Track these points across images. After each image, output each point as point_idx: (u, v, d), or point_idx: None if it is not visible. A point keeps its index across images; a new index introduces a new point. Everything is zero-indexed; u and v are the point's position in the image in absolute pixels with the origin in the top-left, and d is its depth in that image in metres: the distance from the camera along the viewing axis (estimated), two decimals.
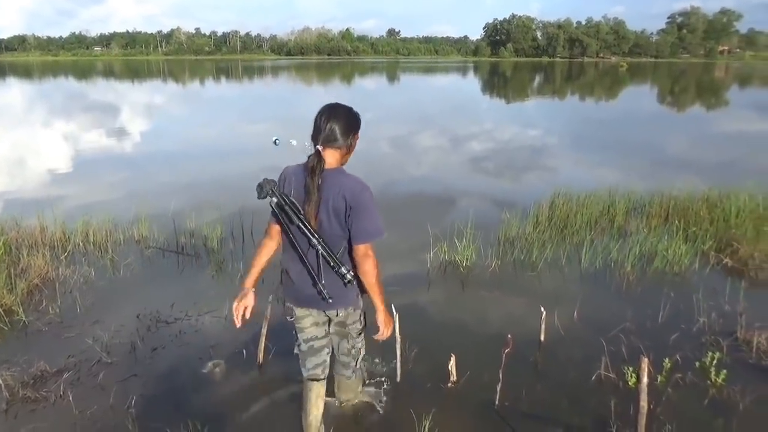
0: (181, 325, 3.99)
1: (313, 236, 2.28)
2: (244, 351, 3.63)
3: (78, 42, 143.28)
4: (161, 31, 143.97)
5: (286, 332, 3.87)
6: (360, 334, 2.70)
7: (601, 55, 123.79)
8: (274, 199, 2.30)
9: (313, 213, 2.29)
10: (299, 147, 11.68)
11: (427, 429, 2.86)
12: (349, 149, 2.43)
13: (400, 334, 3.29)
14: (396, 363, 3.34)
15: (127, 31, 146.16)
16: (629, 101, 28.55)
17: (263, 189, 2.30)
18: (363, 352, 2.81)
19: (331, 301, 2.37)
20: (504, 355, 3.05)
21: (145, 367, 3.45)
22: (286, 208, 2.28)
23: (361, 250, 2.33)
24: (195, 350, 3.67)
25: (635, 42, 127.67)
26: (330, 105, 2.43)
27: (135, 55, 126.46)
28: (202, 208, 6.61)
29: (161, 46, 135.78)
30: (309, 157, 2.34)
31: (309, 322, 2.63)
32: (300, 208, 2.28)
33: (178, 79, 47.00)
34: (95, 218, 5.87)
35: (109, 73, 57.58)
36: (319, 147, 2.33)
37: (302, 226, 2.27)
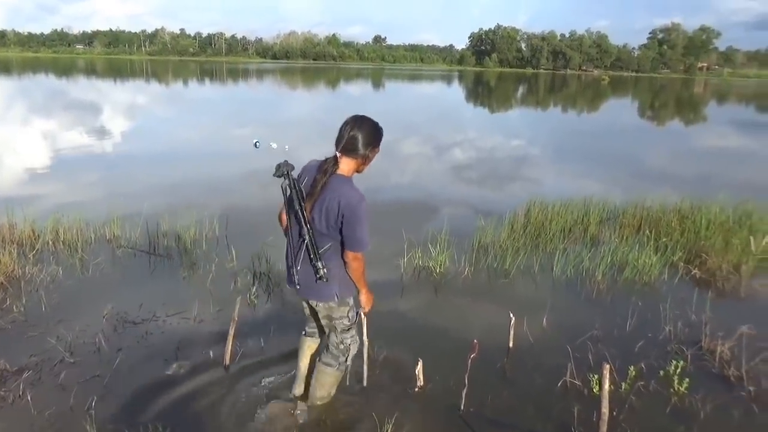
0: (147, 326, 3.93)
1: (305, 226, 2.47)
2: (211, 352, 3.59)
3: (59, 39, 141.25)
4: (145, 30, 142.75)
5: (253, 334, 3.87)
6: (348, 330, 2.84)
7: (584, 67, 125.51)
8: (286, 181, 2.50)
9: (309, 207, 2.49)
10: (280, 150, 11.65)
11: None
12: (365, 160, 2.58)
13: (368, 338, 3.27)
14: (363, 367, 3.32)
15: (111, 30, 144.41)
16: (610, 114, 28.97)
17: (279, 168, 2.48)
18: (353, 350, 2.93)
19: (298, 287, 2.63)
20: (469, 361, 3.06)
21: (109, 367, 3.39)
22: (292, 193, 2.48)
23: (350, 255, 2.57)
24: (160, 351, 3.62)
25: (617, 56, 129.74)
26: (357, 116, 2.60)
27: (118, 54, 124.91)
28: (177, 209, 6.54)
29: (145, 46, 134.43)
30: (327, 158, 2.54)
31: (303, 303, 2.96)
32: (303, 198, 2.48)
33: (161, 79, 46.59)
34: (67, 217, 5.77)
35: (90, 71, 56.86)
36: (338, 153, 2.52)
37: (299, 214, 2.47)
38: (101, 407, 3.03)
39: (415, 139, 15.22)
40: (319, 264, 2.50)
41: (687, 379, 3.33)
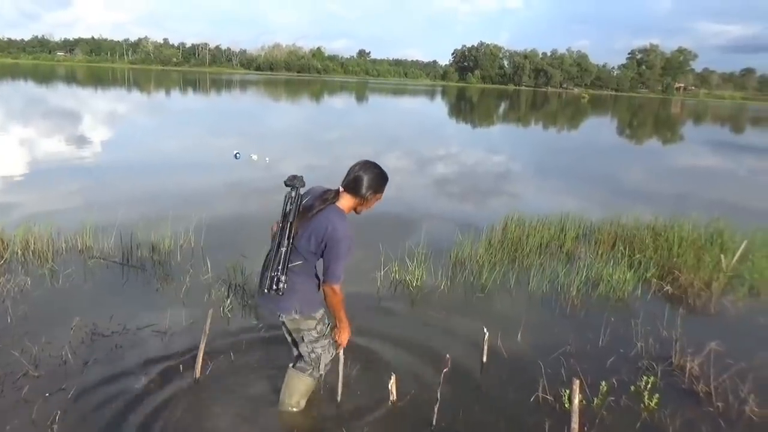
0: (117, 339, 3.86)
1: (288, 239, 2.61)
2: (181, 366, 3.53)
3: (40, 46, 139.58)
4: (128, 39, 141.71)
5: (225, 346, 3.82)
6: (317, 341, 2.91)
7: (565, 85, 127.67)
8: (292, 193, 2.66)
9: (297, 225, 2.64)
10: (260, 162, 11.61)
11: None
12: (365, 203, 2.75)
13: (342, 353, 3.25)
14: (337, 382, 3.29)
15: (93, 38, 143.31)
16: (590, 132, 29.45)
17: (292, 180, 2.66)
18: (325, 359, 3.00)
19: (263, 291, 2.68)
20: (442, 376, 3.05)
21: (74, 381, 3.30)
22: (290, 205, 2.64)
23: (326, 289, 2.72)
24: (130, 364, 3.55)
25: (597, 75, 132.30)
26: (367, 160, 2.78)
27: (99, 62, 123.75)
28: (153, 220, 6.44)
29: (127, 55, 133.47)
30: (330, 189, 2.76)
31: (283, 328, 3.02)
32: (297, 214, 2.64)
33: (143, 88, 46.22)
34: (38, 226, 5.65)
35: (71, 78, 56.25)
36: (341, 188, 2.72)
37: (288, 227, 2.61)
38: (65, 422, 2.95)
39: (397, 153, 15.28)
40: (283, 277, 2.59)
41: (657, 395, 3.37)
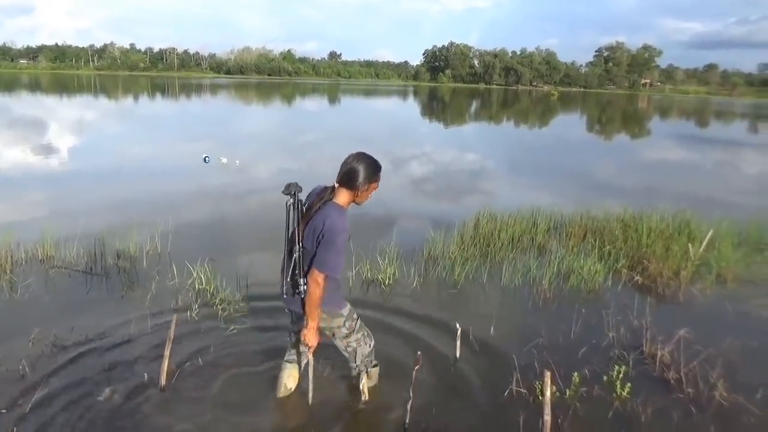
0: (79, 349, 3.71)
1: (297, 244, 2.72)
2: (146, 374, 3.42)
3: (2, 54, 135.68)
4: (93, 45, 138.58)
5: (191, 353, 3.72)
6: (348, 336, 3.00)
7: (534, 83, 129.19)
8: (291, 200, 2.73)
9: (302, 228, 2.74)
10: (230, 165, 11.43)
11: None
12: (361, 193, 2.80)
13: (312, 355, 3.17)
14: (308, 384, 3.21)
15: (57, 44, 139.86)
16: (560, 129, 29.81)
17: (289, 188, 2.72)
18: (362, 351, 3.09)
19: (285, 296, 2.84)
20: (414, 373, 3.01)
21: (32, 395, 3.15)
22: (293, 213, 2.74)
23: (314, 273, 2.69)
24: (92, 375, 3.42)
25: (566, 72, 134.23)
26: (358, 152, 2.85)
27: (64, 69, 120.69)
28: (117, 227, 6.25)
29: (93, 61, 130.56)
30: (327, 187, 2.83)
31: (292, 316, 3.08)
32: (301, 218, 2.75)
33: (110, 94, 45.25)
34: None
35: (34, 86, 54.78)
36: (335, 184, 2.78)
37: (295, 233, 2.73)
38: None
39: (370, 153, 15.21)
40: (301, 281, 2.73)
41: (629, 384, 3.38)
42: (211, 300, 4.56)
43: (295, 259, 2.73)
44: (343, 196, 2.78)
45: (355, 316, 3.04)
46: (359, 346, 3.06)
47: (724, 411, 3.30)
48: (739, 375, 3.64)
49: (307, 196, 2.88)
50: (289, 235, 2.77)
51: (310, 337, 2.86)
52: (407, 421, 3.05)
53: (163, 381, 3.30)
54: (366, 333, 3.10)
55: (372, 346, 3.15)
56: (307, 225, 2.75)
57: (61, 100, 35.76)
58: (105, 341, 3.84)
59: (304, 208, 2.79)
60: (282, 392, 3.22)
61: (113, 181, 9.80)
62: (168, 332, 3.34)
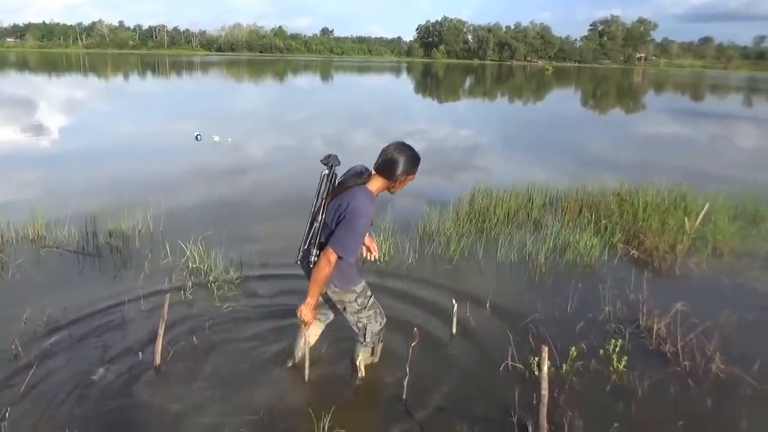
0: (72, 329, 3.67)
1: (320, 216, 2.72)
2: (140, 353, 3.39)
3: None
4: (82, 23, 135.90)
5: (187, 331, 3.69)
6: (360, 311, 2.99)
7: (529, 58, 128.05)
8: (325, 171, 2.74)
9: (328, 201, 2.74)
10: (222, 143, 11.31)
11: (326, 430, 2.75)
12: (398, 184, 2.78)
13: (307, 332, 3.15)
14: (304, 361, 3.19)
15: (44, 22, 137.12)
16: (555, 104, 29.62)
17: (328, 159, 2.73)
18: (372, 328, 3.07)
19: (298, 262, 2.85)
20: (411, 349, 2.99)
21: (25, 376, 3.12)
22: (325, 184, 2.73)
23: (327, 251, 2.67)
24: (85, 355, 3.39)
25: (560, 47, 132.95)
26: (400, 142, 2.81)
27: (52, 48, 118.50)
28: (109, 207, 6.16)
29: (82, 39, 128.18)
30: (367, 170, 2.81)
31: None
32: (330, 192, 2.74)
33: (100, 73, 44.56)
34: None
35: (23, 65, 53.85)
36: (373, 170, 2.76)
37: (321, 205, 2.73)
38: (16, 418, 2.79)
39: (364, 130, 15.11)
40: (314, 251, 2.73)
41: (626, 358, 3.38)
42: (204, 278, 4.52)
43: (314, 230, 2.73)
44: (376, 183, 2.76)
45: (368, 293, 3.02)
46: (369, 323, 3.06)
47: (721, 383, 3.31)
48: (736, 348, 3.64)
49: (345, 173, 2.86)
50: (315, 206, 2.75)
51: (306, 312, 2.81)
52: (404, 396, 3.04)
53: (157, 360, 3.27)
54: (378, 311, 3.09)
55: (383, 324, 3.13)
56: (333, 201, 2.74)
57: (51, 79, 35.23)
58: (98, 321, 3.80)
59: (336, 183, 2.78)
60: (299, 351, 3.25)
61: (104, 160, 9.68)
62: (162, 311, 3.29)
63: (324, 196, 2.74)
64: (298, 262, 2.85)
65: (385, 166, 2.72)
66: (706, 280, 4.92)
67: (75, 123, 15.17)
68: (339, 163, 2.75)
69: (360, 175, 2.79)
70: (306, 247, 2.76)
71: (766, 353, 3.60)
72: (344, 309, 3.02)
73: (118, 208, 5.92)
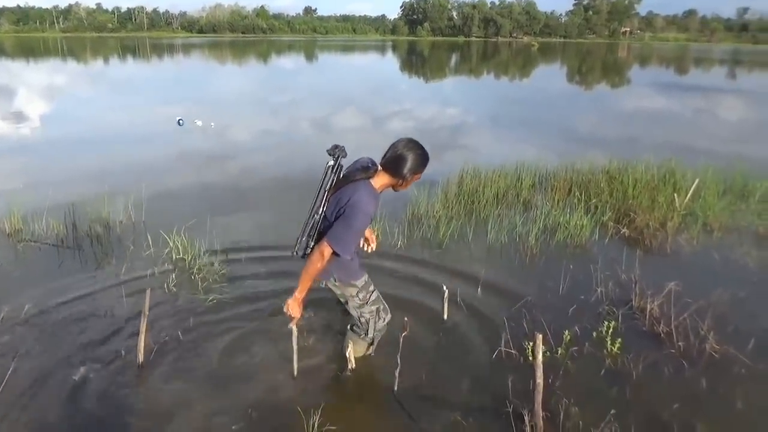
0: (51, 327, 3.55)
1: (322, 206, 2.65)
2: (123, 351, 3.28)
3: None
4: (58, 6, 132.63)
5: (171, 325, 3.59)
6: (362, 306, 2.93)
7: (514, 34, 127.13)
8: (331, 162, 2.67)
9: (331, 193, 2.67)
10: (205, 127, 11.08)
11: (316, 425, 2.67)
12: (404, 182, 2.72)
13: (295, 325, 3.05)
14: (293, 355, 3.10)
15: (19, 6, 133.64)
16: (541, 80, 29.45)
17: (335, 150, 2.68)
18: (374, 324, 3.00)
19: (295, 254, 2.72)
20: (401, 339, 2.91)
21: (4, 376, 3.00)
22: (330, 176, 2.65)
23: (322, 245, 2.61)
24: (66, 354, 3.27)
25: (545, 23, 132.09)
26: (409, 140, 2.70)
27: (29, 32, 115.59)
28: (88, 198, 5.99)
29: (58, 23, 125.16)
30: (374, 164, 2.72)
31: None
32: (334, 184, 2.66)
33: (79, 58, 43.56)
34: None
35: None
36: (379, 167, 2.68)
37: (324, 194, 2.65)
38: None
39: (350, 111, 14.91)
40: (312, 243, 2.67)
41: (619, 340, 3.34)
42: (188, 269, 4.40)
43: (314, 222, 2.67)
44: (382, 179, 2.68)
45: (371, 288, 2.96)
46: (372, 318, 3.00)
47: (716, 363, 3.27)
48: (729, 326, 3.62)
49: (351, 164, 2.76)
50: (318, 198, 2.68)
51: (293, 306, 2.76)
52: (395, 388, 2.98)
53: (140, 357, 3.17)
54: (382, 306, 3.03)
55: (387, 320, 3.07)
56: (335, 193, 2.66)
57: (28, 65, 34.37)
58: (79, 317, 3.68)
59: (342, 174, 2.72)
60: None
61: (83, 149, 9.44)
62: (143, 306, 3.18)
63: (327, 188, 2.66)
64: (296, 254, 2.73)
65: (393, 163, 2.63)
66: (697, 257, 4.89)
67: (53, 110, 14.79)
68: (345, 155, 2.68)
69: (366, 170, 2.67)
70: (304, 239, 2.68)
71: (759, 331, 3.58)
72: (346, 302, 2.97)
73: (98, 198, 5.76)
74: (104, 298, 3.93)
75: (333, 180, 2.67)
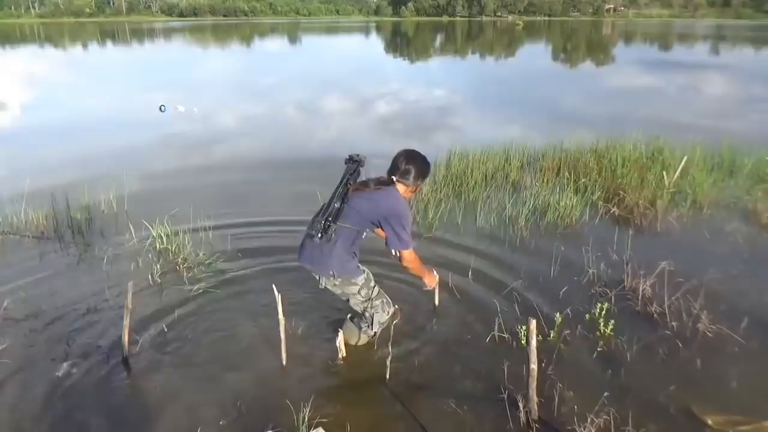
0: (32, 323, 3.45)
1: (338, 203, 2.77)
2: (107, 345, 3.20)
3: None
4: None
5: (156, 318, 3.51)
6: (365, 303, 2.98)
7: (499, 13, 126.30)
8: (353, 166, 2.85)
9: (354, 192, 2.83)
10: (188, 113, 10.87)
11: (307, 417, 2.61)
12: (414, 189, 2.97)
13: (283, 315, 2.98)
14: (281, 346, 3.03)
15: None
16: (527, 59, 29.28)
17: (356, 155, 2.88)
18: (379, 318, 3.05)
19: (312, 233, 2.79)
20: (392, 328, 2.86)
21: None
22: (349, 176, 2.82)
23: (404, 256, 2.98)
24: (48, 350, 3.18)
25: (530, 1, 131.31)
26: (410, 151, 2.98)
27: (3, 18, 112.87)
28: (68, 188, 5.81)
29: (34, 8, 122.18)
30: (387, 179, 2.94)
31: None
32: (351, 184, 2.82)
33: (57, 44, 42.54)
34: None
35: None
36: (394, 178, 2.91)
37: (342, 192, 2.79)
38: None
39: (336, 94, 14.71)
40: (333, 226, 2.75)
41: (612, 321, 3.30)
42: (173, 260, 4.30)
43: (335, 208, 2.76)
44: (401, 188, 2.93)
45: (372, 284, 3.01)
46: (376, 312, 3.04)
47: (709, 342, 3.25)
48: (722, 305, 3.60)
49: (370, 175, 3.04)
50: (338, 191, 2.81)
51: (430, 278, 3.27)
52: (387, 377, 2.92)
53: (125, 351, 3.08)
54: (385, 301, 3.08)
55: (390, 313, 3.11)
56: (364, 193, 2.84)
57: (4, 51, 33.54)
58: (61, 312, 3.58)
59: (358, 179, 2.90)
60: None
61: (63, 137, 9.22)
62: (125, 300, 3.08)
63: (345, 185, 2.81)
64: (312, 234, 2.78)
65: (406, 175, 2.90)
66: (688, 235, 4.87)
67: (31, 98, 14.44)
68: (362, 162, 2.87)
69: (380, 182, 2.93)
70: (324, 222, 2.75)
71: (751, 309, 3.57)
72: (348, 300, 3.02)
73: (79, 188, 5.63)
74: (87, 291, 3.82)
75: (350, 181, 2.83)
